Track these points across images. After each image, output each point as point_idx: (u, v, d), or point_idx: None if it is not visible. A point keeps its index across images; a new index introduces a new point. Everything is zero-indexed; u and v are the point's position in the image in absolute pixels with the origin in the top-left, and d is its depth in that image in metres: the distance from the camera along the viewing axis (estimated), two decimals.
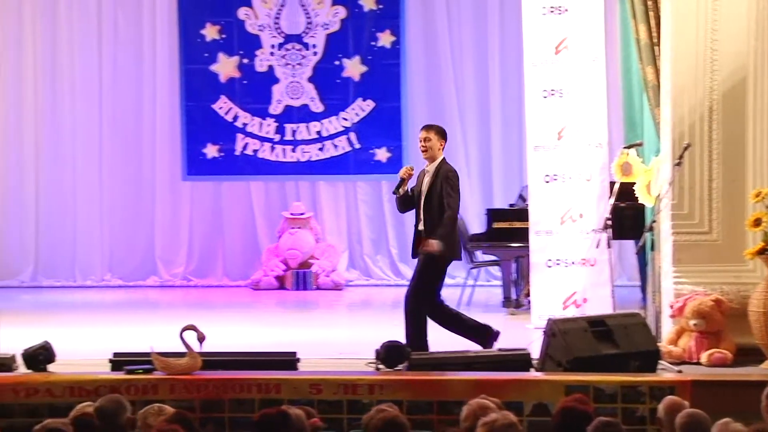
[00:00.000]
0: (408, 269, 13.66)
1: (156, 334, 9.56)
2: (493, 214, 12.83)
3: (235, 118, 15.38)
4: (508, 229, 12.41)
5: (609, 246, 10.41)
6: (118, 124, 15.48)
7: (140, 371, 8.06)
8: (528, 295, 11.82)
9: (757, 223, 8.92)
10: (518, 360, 8.53)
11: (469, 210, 14.75)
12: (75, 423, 5.94)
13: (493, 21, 15.29)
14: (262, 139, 15.39)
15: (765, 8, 9.32)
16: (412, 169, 9.47)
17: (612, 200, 10.27)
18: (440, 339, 9.40)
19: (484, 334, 9.32)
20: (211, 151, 15.40)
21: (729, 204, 9.30)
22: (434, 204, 9.28)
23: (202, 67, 15.34)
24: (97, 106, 15.41)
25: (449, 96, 15.34)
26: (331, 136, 15.37)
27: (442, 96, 15.36)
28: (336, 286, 14.83)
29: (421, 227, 9.37)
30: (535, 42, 10.90)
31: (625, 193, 10.24)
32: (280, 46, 15.38)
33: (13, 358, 8.49)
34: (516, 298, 12.48)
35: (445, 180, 9.25)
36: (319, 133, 15.37)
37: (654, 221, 9.51)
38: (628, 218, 10.96)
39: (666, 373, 8.44)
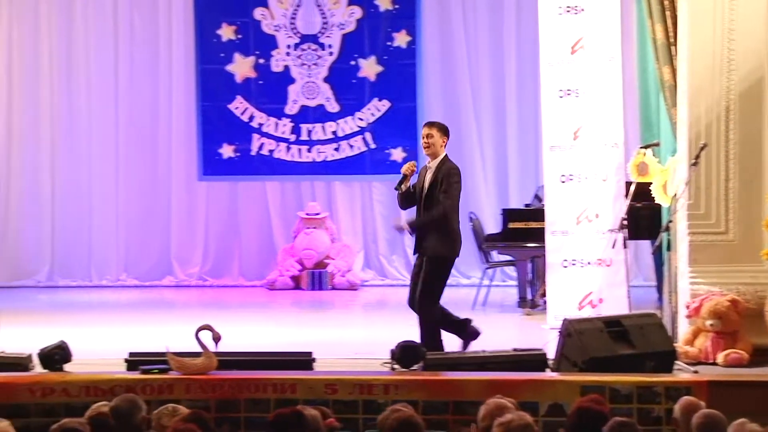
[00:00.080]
0: None
1: (171, 333, 9.56)
2: (508, 214, 12.81)
3: (251, 118, 15.39)
4: (524, 229, 12.40)
5: (625, 246, 10.41)
6: (134, 125, 15.51)
7: (156, 371, 8.06)
8: (544, 295, 11.82)
9: None
10: (534, 360, 8.51)
11: (484, 210, 14.76)
12: (91, 423, 5.95)
13: (509, 21, 15.27)
14: (278, 139, 15.40)
15: None
16: (415, 166, 9.47)
17: (628, 200, 10.25)
18: (456, 339, 9.39)
19: (464, 328, 9.30)
20: (227, 151, 15.41)
21: (745, 204, 9.27)
22: (435, 201, 9.29)
23: (218, 67, 15.36)
24: (113, 106, 15.45)
25: (465, 96, 15.33)
26: (347, 136, 15.37)
27: (458, 96, 15.35)
28: (351, 286, 14.83)
29: None
30: (552, 42, 10.89)
31: (642, 193, 10.22)
32: (296, 46, 15.39)
33: (29, 358, 8.50)
34: (531, 299, 12.46)
35: (446, 176, 9.24)
36: (334, 133, 15.38)
37: (670, 221, 9.48)
38: (644, 218, 10.94)
39: (682, 373, 8.41)
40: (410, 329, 9.31)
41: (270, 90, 15.38)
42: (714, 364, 8.82)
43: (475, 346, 8.96)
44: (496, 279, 13.66)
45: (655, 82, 10.09)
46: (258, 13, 15.36)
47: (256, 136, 15.39)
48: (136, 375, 8.08)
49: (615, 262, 10.63)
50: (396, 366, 8.49)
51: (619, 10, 10.79)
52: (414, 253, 9.54)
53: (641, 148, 10.35)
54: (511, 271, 13.83)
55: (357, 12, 15.32)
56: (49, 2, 15.33)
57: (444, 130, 9.47)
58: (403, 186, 9.39)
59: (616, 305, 10.31)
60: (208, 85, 15.37)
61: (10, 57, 15.32)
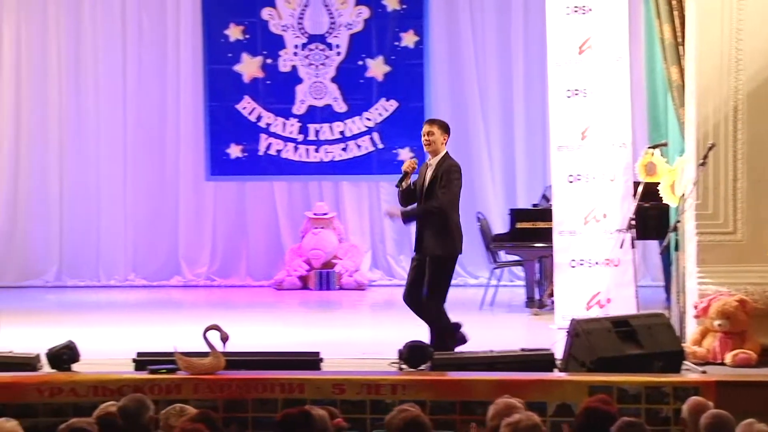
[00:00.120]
0: None
1: (179, 333, 9.57)
2: (516, 214, 12.81)
3: (259, 118, 15.41)
4: (532, 229, 12.39)
5: (633, 246, 10.40)
6: (142, 125, 15.53)
7: (164, 371, 8.06)
8: (551, 295, 11.80)
9: None
10: (541, 360, 8.50)
11: (492, 210, 14.75)
12: (99, 422, 5.95)
13: (516, 21, 15.27)
14: (286, 139, 15.41)
15: None
16: (416, 163, 9.45)
17: (636, 200, 10.24)
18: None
19: (452, 332, 9.27)
20: (235, 151, 15.43)
21: (753, 204, 9.25)
22: (434, 197, 9.26)
23: (225, 67, 15.37)
24: (121, 106, 15.47)
25: (472, 96, 15.33)
26: (355, 136, 15.38)
27: (466, 96, 15.35)
28: (359, 286, 14.84)
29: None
30: (559, 42, 10.88)
31: (650, 193, 10.21)
32: (304, 46, 15.40)
33: (37, 358, 8.51)
34: (539, 299, 12.46)
35: (446, 173, 9.22)
36: (342, 133, 15.38)
37: (678, 221, 9.47)
38: (652, 218, 10.92)
39: (690, 373, 8.40)
40: (418, 329, 9.30)
41: (277, 90, 15.39)
42: (722, 364, 8.81)
43: (483, 346, 8.95)
44: (504, 279, 13.66)
45: (663, 82, 10.08)
46: (265, 13, 15.37)
47: (263, 136, 15.40)
48: (144, 375, 8.08)
49: (623, 262, 10.62)
50: (404, 366, 8.49)
51: (627, 10, 10.78)
52: (414, 251, 9.50)
53: (649, 148, 10.34)
54: (518, 271, 13.83)
55: (364, 12, 15.33)
56: (57, 4, 15.36)
57: (445, 128, 9.46)
58: (404, 183, 9.37)
59: (624, 305, 10.30)
60: (215, 86, 15.39)
61: (18, 58, 15.35)
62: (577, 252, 10.80)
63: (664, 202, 10.02)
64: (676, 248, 9.78)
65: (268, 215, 15.57)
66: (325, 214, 15.16)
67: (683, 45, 9.54)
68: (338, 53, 15.38)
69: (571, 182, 10.85)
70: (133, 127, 15.49)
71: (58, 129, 15.40)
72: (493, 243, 12.88)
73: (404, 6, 15.25)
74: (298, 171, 15.44)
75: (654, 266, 13.95)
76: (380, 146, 15.28)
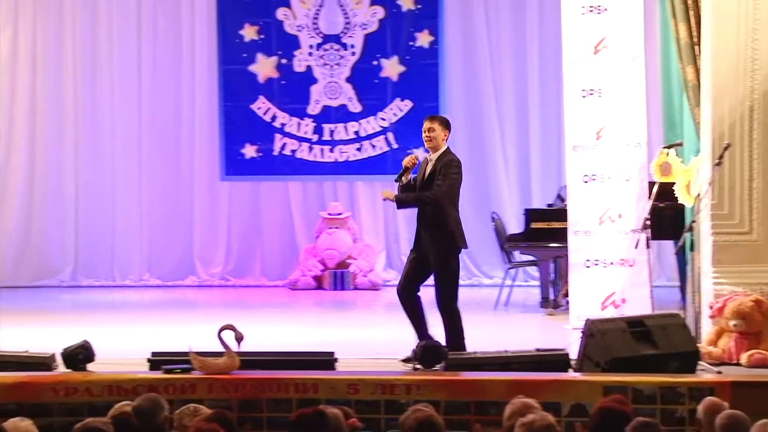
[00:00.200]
0: None
1: (194, 333, 9.57)
2: (531, 214, 12.79)
3: (274, 118, 15.42)
4: (547, 229, 12.38)
5: (648, 246, 10.36)
6: (157, 125, 15.56)
7: (178, 371, 8.07)
8: (566, 295, 11.79)
9: None
10: (556, 360, 8.49)
11: (507, 210, 14.75)
12: (114, 422, 5.96)
13: (531, 20, 15.26)
14: (300, 139, 15.42)
15: None
16: (417, 159, 9.44)
17: (651, 200, 10.22)
18: (478, 339, 9.38)
19: (423, 335, 9.21)
20: (250, 151, 15.44)
21: None
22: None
23: (240, 67, 15.39)
24: (136, 106, 15.50)
25: (487, 96, 15.33)
26: (369, 136, 15.38)
27: (480, 96, 15.35)
28: (373, 286, 14.84)
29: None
30: (574, 41, 10.85)
31: (665, 193, 10.18)
32: (319, 46, 15.41)
33: (52, 358, 8.53)
34: (554, 299, 12.45)
35: (444, 167, 9.21)
36: (357, 133, 15.39)
37: (693, 221, 9.45)
38: (667, 218, 10.90)
39: (705, 374, 8.38)
40: (432, 329, 9.29)
41: (292, 90, 15.41)
42: (737, 364, 8.79)
43: (498, 347, 8.93)
44: (519, 279, 13.63)
45: (679, 82, 10.06)
46: (280, 13, 15.38)
47: (278, 136, 15.41)
48: (158, 375, 8.09)
49: (638, 262, 10.59)
50: (418, 366, 8.49)
51: (643, 9, 10.74)
52: (413, 246, 9.48)
53: (664, 147, 10.31)
54: (533, 271, 13.83)
55: (379, 12, 15.33)
56: (72, 3, 15.39)
57: (446, 124, 9.45)
58: (403, 178, 9.37)
59: (639, 305, 10.27)
60: (230, 86, 15.41)
61: (34, 58, 15.39)
62: (592, 252, 10.78)
63: (679, 202, 10.00)
64: (692, 248, 9.76)
65: (282, 215, 15.59)
66: (339, 214, 15.16)
67: (699, 45, 9.52)
68: (353, 53, 15.39)
69: (586, 182, 10.83)
70: (148, 127, 15.52)
71: (73, 129, 15.44)
72: (507, 243, 12.87)
73: (419, 6, 15.25)
74: (312, 171, 15.45)
75: (669, 266, 13.92)
76: (395, 146, 15.28)
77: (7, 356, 8.56)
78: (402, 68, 15.32)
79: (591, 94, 10.78)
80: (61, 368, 8.45)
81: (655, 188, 10.18)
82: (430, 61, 15.27)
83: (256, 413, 7.85)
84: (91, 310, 13.10)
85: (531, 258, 12.90)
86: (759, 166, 9.26)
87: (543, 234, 12.41)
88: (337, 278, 14.89)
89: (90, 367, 8.39)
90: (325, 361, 8.53)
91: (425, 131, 9.37)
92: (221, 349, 8.08)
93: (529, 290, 13.53)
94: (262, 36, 15.38)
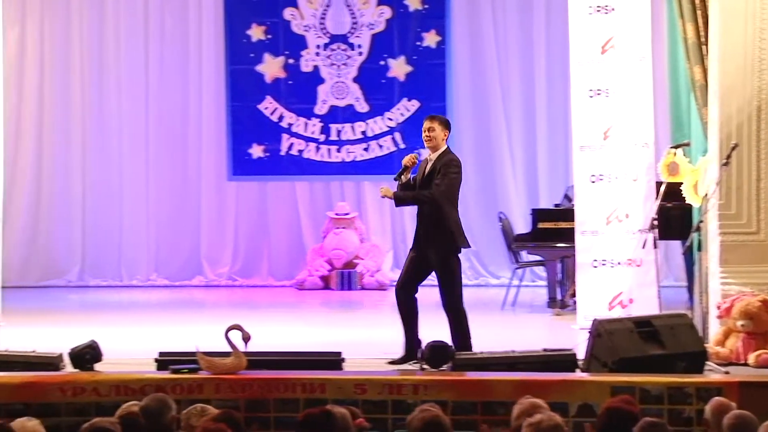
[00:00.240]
0: None
1: (201, 333, 9.57)
2: (538, 214, 12.79)
3: (281, 118, 15.42)
4: (554, 229, 12.37)
5: (655, 246, 10.35)
6: (164, 125, 15.57)
7: (186, 371, 8.07)
8: (573, 295, 11.78)
9: None
10: (563, 360, 8.48)
11: (514, 210, 14.74)
12: (122, 422, 5.96)
13: (538, 20, 15.25)
14: (308, 139, 15.42)
15: None
16: (416, 158, 9.44)
17: (658, 200, 10.21)
18: (485, 339, 9.38)
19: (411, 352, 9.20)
20: (257, 151, 15.45)
21: None
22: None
23: (247, 67, 15.40)
24: (143, 106, 15.51)
25: (494, 96, 15.32)
26: (376, 137, 15.38)
27: (488, 96, 15.34)
28: (381, 286, 14.83)
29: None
30: (582, 41, 10.85)
31: (672, 193, 10.18)
32: (326, 46, 15.41)
33: (60, 357, 8.53)
34: (561, 299, 12.43)
35: (444, 166, 9.20)
36: (364, 133, 15.39)
37: (701, 221, 9.44)
38: (674, 218, 10.89)
39: (713, 374, 8.37)
40: (439, 329, 9.29)
41: (299, 90, 15.41)
42: (745, 364, 8.78)
43: (505, 347, 8.93)
44: (526, 279, 13.62)
45: (686, 82, 10.05)
46: (288, 13, 15.38)
47: (285, 136, 15.42)
48: (166, 375, 8.09)
49: (645, 262, 10.58)
50: (425, 366, 8.49)
51: (650, 9, 10.74)
52: (412, 245, 9.47)
53: (672, 147, 10.31)
54: (540, 271, 13.81)
55: (386, 12, 15.33)
56: (80, 3, 15.41)
57: (445, 124, 9.45)
58: (403, 177, 9.37)
59: (647, 305, 10.27)
60: (237, 86, 15.41)
61: (41, 57, 15.41)
62: (599, 252, 10.78)
63: (686, 202, 10.00)
64: (699, 248, 9.76)
65: (289, 215, 15.59)
66: (346, 214, 15.16)
67: (706, 44, 9.52)
68: (360, 53, 15.39)
69: (593, 182, 10.83)
70: (155, 126, 15.53)
71: (80, 129, 15.45)
72: (514, 243, 12.87)
73: (426, 6, 15.25)
74: (319, 171, 15.45)
75: (677, 266, 13.91)
76: (402, 146, 15.27)
77: (15, 356, 8.56)
78: (409, 68, 15.32)
79: (598, 93, 10.78)
80: (68, 368, 8.45)
81: (663, 188, 10.17)
82: (437, 61, 15.27)
83: (263, 413, 7.85)
84: (99, 310, 13.11)
85: (538, 258, 12.89)
86: (766, 166, 9.26)
87: (550, 234, 12.40)
88: (344, 278, 14.89)
89: (97, 367, 8.39)
90: (333, 361, 8.53)
91: (425, 131, 9.37)
92: (228, 349, 8.09)
93: (537, 290, 13.52)
94: (269, 36, 15.39)
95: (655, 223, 10.22)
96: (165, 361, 8.37)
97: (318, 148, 15.42)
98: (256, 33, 15.39)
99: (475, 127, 15.33)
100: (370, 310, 13.71)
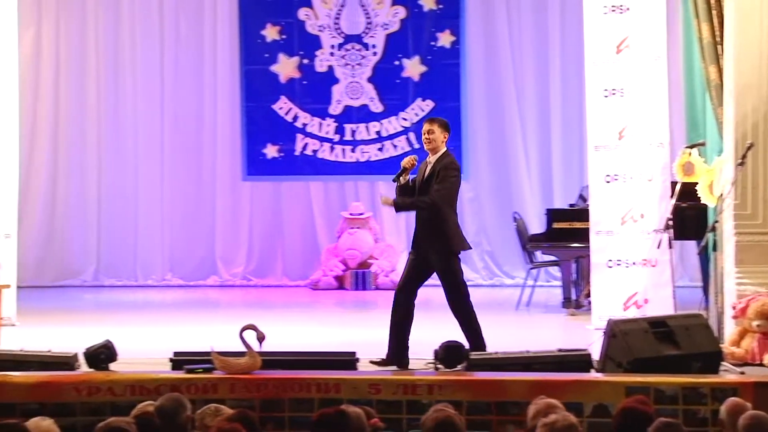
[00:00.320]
0: (468, 270, 13.49)
1: (216, 333, 9.59)
2: (553, 214, 12.77)
3: (295, 118, 15.43)
4: (569, 230, 12.35)
5: (670, 246, 10.34)
6: (179, 125, 15.60)
7: (200, 370, 8.08)
8: (588, 295, 11.76)
9: None
10: (578, 361, 8.47)
11: (529, 210, 14.73)
12: (137, 422, 5.97)
13: (553, 20, 15.24)
14: (322, 140, 15.43)
15: None
16: (416, 160, 9.43)
17: (674, 200, 10.19)
18: (500, 339, 9.36)
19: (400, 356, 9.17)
20: (271, 151, 15.46)
21: None
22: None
23: (262, 67, 15.42)
24: (158, 106, 15.54)
25: (509, 96, 15.31)
26: (391, 137, 15.39)
27: (502, 96, 15.33)
28: (395, 286, 14.76)
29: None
30: (596, 41, 10.84)
31: (687, 193, 10.16)
32: (340, 46, 15.42)
33: (75, 357, 8.55)
34: (576, 299, 12.42)
35: (443, 169, 9.20)
36: (378, 133, 15.39)
37: (716, 221, 9.42)
38: (689, 218, 10.86)
39: (728, 374, 8.34)
40: (453, 330, 9.28)
41: (314, 90, 15.42)
42: (760, 365, 8.75)
43: (520, 347, 8.92)
44: (541, 279, 13.63)
45: (701, 82, 10.03)
46: (302, 13, 15.40)
47: (300, 136, 15.43)
48: (180, 374, 8.10)
49: (660, 262, 10.56)
50: (440, 366, 8.48)
51: (665, 9, 10.72)
52: (412, 247, 9.47)
53: (687, 147, 10.29)
54: (555, 271, 13.80)
55: (401, 12, 15.33)
56: (96, 4, 15.45)
57: (445, 126, 9.44)
58: (401, 178, 9.38)
59: (662, 306, 10.25)
60: (252, 86, 15.43)
61: (57, 59, 15.45)
62: (614, 252, 10.76)
63: (702, 202, 9.98)
64: (714, 248, 9.73)
65: (304, 215, 15.60)
66: (361, 214, 15.17)
67: (722, 44, 9.50)
68: (374, 53, 15.39)
69: (608, 182, 10.81)
70: (170, 127, 15.56)
71: (96, 129, 15.49)
72: (529, 243, 12.85)
73: (440, 6, 15.25)
74: (334, 171, 15.46)
75: (692, 267, 13.88)
76: (416, 146, 15.24)
77: (30, 355, 8.58)
78: (423, 68, 15.32)
79: (613, 93, 10.76)
80: (83, 368, 8.47)
81: (678, 188, 10.16)
82: (451, 61, 15.27)
83: (277, 413, 7.85)
84: (114, 309, 13.14)
85: (553, 258, 12.88)
86: None
87: (565, 234, 12.38)
88: (358, 278, 14.90)
89: (112, 366, 8.41)
90: (347, 360, 8.53)
91: (424, 133, 9.38)
92: (243, 348, 8.09)
93: (551, 290, 13.51)
94: (283, 36, 15.40)
95: (670, 223, 10.20)
96: (180, 360, 8.38)
97: (332, 148, 15.42)
98: (271, 33, 15.40)
99: (489, 127, 15.32)
100: (384, 310, 13.50)
